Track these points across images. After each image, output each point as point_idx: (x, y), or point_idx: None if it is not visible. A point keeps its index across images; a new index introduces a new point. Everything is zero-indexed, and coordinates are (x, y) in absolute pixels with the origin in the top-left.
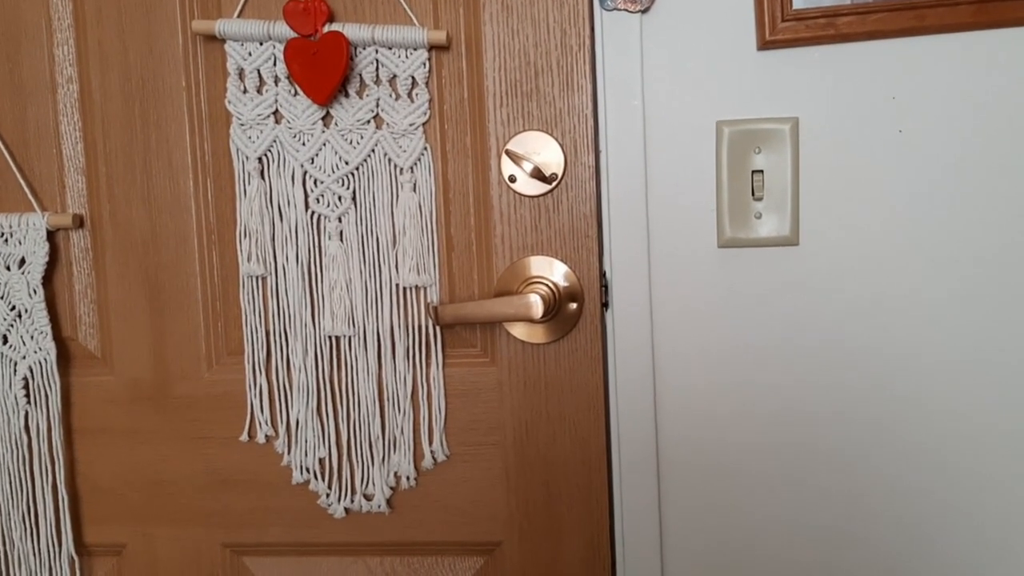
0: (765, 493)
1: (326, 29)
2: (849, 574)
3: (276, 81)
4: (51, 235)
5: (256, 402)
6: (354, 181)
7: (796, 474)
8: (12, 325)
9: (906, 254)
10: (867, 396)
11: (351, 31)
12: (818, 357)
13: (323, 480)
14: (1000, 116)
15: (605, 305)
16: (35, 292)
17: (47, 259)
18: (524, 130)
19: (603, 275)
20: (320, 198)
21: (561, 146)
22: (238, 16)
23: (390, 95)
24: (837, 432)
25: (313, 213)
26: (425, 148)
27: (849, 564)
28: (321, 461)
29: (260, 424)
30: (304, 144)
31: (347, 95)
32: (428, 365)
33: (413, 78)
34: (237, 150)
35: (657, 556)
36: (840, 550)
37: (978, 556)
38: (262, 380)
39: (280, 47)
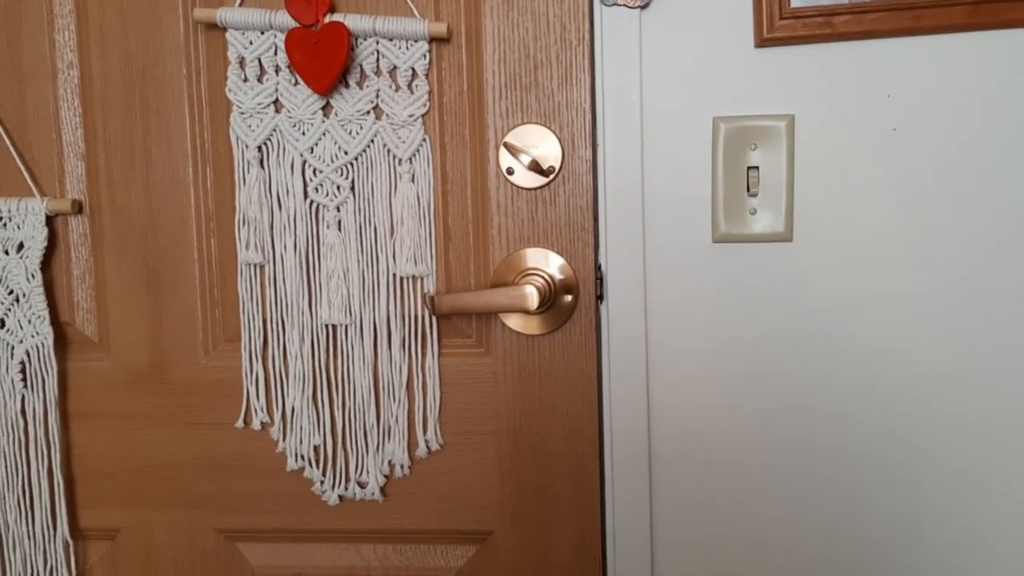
0: (756, 486)
1: (327, 19)
2: (840, 567)
3: (277, 70)
4: (50, 220)
5: (252, 389)
6: (353, 171)
7: (787, 467)
8: (10, 309)
9: (899, 252)
10: (860, 391)
11: (352, 22)
12: (811, 352)
13: (318, 467)
14: (994, 116)
15: (600, 297)
16: (33, 277)
17: (46, 244)
18: (523, 123)
19: (598, 268)
20: (319, 187)
21: (559, 140)
22: (240, 5)
23: (390, 86)
24: (829, 426)
25: (312, 202)
26: (424, 139)
27: (840, 557)
28: (316, 448)
29: (256, 411)
30: (304, 134)
31: (347, 85)
32: (424, 355)
33: (413, 70)
34: (237, 138)
35: (648, 547)
36: (830, 542)
37: (969, 551)
38: (258, 367)
39: (281, 36)
